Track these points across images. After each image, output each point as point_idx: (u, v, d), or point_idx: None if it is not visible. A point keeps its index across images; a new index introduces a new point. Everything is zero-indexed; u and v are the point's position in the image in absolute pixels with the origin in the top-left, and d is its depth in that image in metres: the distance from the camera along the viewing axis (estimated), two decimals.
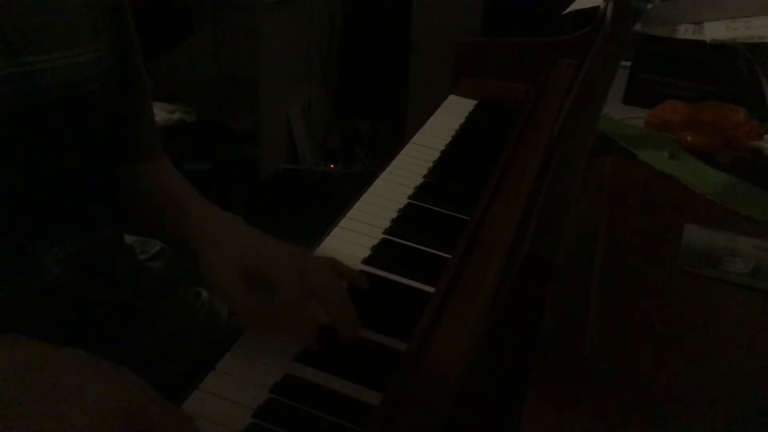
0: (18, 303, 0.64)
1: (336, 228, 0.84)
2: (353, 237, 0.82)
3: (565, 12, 1.36)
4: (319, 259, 0.69)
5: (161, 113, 2.64)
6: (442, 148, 1.08)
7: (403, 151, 1.06)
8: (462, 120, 1.20)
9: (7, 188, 0.62)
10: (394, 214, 0.88)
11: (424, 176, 0.99)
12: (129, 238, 0.86)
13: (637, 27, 1.23)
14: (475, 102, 1.28)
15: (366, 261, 0.78)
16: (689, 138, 1.02)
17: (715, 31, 1.17)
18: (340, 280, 0.68)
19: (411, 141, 1.10)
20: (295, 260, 0.65)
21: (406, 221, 0.87)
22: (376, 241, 0.81)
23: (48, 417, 0.45)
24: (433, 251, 0.81)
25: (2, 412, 0.44)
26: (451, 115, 1.22)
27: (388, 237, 0.83)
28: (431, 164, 1.02)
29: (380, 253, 0.80)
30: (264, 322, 0.64)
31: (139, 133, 0.80)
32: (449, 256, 0.79)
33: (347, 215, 0.87)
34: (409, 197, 0.92)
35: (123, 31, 0.74)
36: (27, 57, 0.60)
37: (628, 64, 1.25)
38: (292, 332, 0.65)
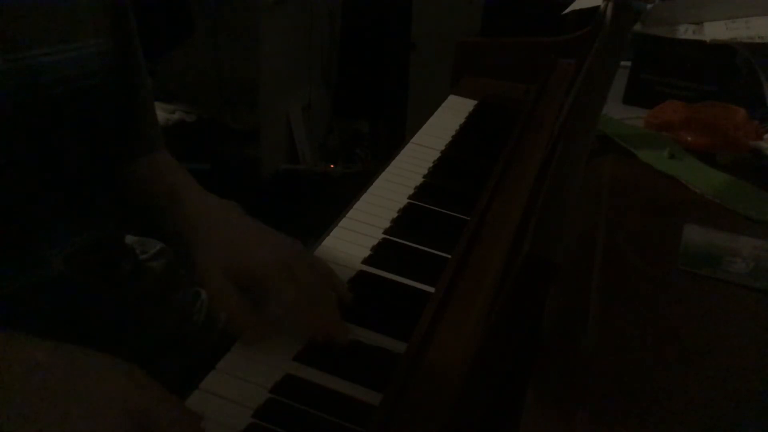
0: (22, 300, 0.64)
1: (336, 228, 0.84)
2: (353, 237, 0.82)
3: (565, 12, 1.36)
4: (315, 264, 0.68)
5: (161, 113, 2.64)
6: (442, 148, 1.08)
7: (403, 151, 1.06)
8: (462, 120, 1.20)
9: (11, 184, 0.61)
10: (394, 214, 0.87)
11: (424, 176, 0.99)
12: (129, 239, 0.86)
13: (637, 27, 1.23)
14: (475, 102, 1.28)
15: (366, 261, 0.78)
16: (689, 138, 1.02)
17: (715, 31, 1.17)
18: (331, 290, 0.67)
19: (411, 141, 1.10)
20: (288, 266, 0.64)
21: (406, 221, 0.87)
22: (376, 241, 0.81)
23: (55, 416, 0.45)
24: (433, 251, 0.81)
25: (9, 411, 0.44)
26: (451, 115, 1.22)
27: (388, 237, 0.83)
28: (431, 164, 1.02)
29: (380, 253, 0.80)
30: (255, 330, 0.63)
31: (142, 128, 0.80)
32: (449, 256, 0.79)
33: (347, 215, 0.86)
34: (409, 197, 0.92)
35: (124, 25, 0.74)
36: (28, 51, 0.60)
37: (628, 64, 1.25)
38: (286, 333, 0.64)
